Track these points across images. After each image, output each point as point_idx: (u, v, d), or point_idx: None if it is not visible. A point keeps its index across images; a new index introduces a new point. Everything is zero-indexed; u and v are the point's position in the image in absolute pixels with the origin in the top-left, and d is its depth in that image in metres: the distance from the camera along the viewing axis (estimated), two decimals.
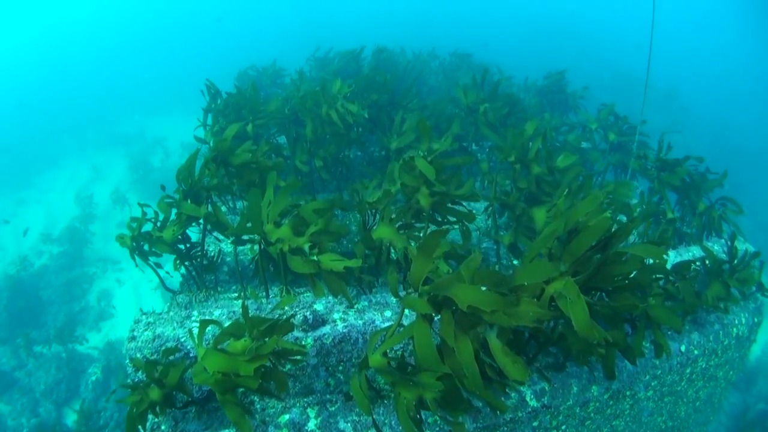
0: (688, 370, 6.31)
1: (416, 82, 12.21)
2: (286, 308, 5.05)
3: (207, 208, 5.55)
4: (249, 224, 4.90)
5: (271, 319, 3.95)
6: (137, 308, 16.26)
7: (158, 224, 6.07)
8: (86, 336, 15.64)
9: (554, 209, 6.19)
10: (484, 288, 3.38)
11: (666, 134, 7.58)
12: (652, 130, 9.40)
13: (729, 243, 6.80)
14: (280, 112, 8.01)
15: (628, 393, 5.80)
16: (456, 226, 5.67)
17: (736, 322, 6.59)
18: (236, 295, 6.20)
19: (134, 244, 6.04)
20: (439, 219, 5.68)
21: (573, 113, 11.02)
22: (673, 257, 6.84)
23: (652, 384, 5.97)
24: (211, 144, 8.37)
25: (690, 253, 7.03)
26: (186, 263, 6.15)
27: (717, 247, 7.35)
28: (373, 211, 5.67)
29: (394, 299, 5.21)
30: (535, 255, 3.89)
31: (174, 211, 5.91)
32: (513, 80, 12.06)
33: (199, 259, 6.12)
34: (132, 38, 44.99)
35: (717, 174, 7.47)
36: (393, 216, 5.42)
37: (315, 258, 4.59)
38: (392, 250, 5.40)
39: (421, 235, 5.46)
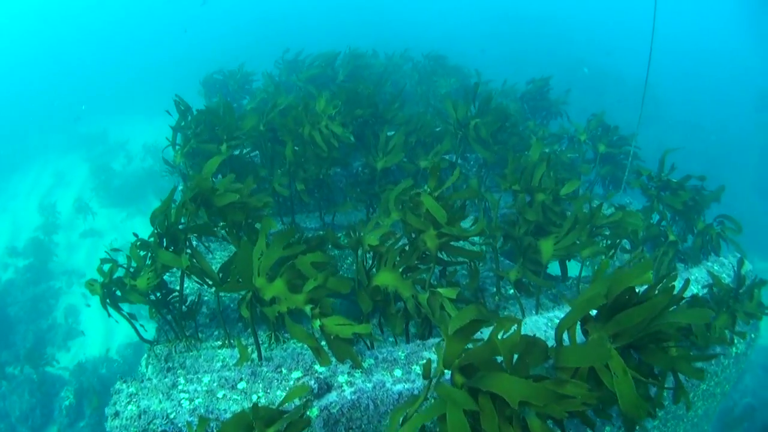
0: (690, 395, 5.97)
1: (393, 89, 11.55)
2: (283, 371, 4.37)
3: (186, 253, 4.81)
4: (240, 280, 4.21)
5: (284, 412, 3.29)
6: (105, 325, 15.43)
7: (131, 269, 5.32)
8: (56, 356, 14.61)
9: (563, 239, 5.70)
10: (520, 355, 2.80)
11: (669, 152, 7.15)
12: (627, 128, 8.98)
13: (736, 270, 6.48)
14: (256, 129, 7.25)
15: (637, 428, 5.39)
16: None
17: (736, 341, 6.28)
18: (219, 343, 5.50)
19: (105, 291, 5.29)
20: (446, 259, 5.10)
21: (553, 119, 10.51)
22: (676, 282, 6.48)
23: (659, 414, 5.72)
24: (181, 165, 7.57)
25: (692, 276, 6.67)
26: (162, 311, 5.42)
27: (717, 267, 7.00)
28: (371, 251, 5.04)
29: (402, 354, 4.58)
30: (574, 323, 3.48)
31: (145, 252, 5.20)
32: (491, 84, 11.48)
33: (177, 306, 5.39)
34: (93, 35, 42.90)
35: (700, 182, 7.14)
36: (397, 259, 4.79)
37: (318, 323, 3.91)
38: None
39: (426, 277, 4.85)
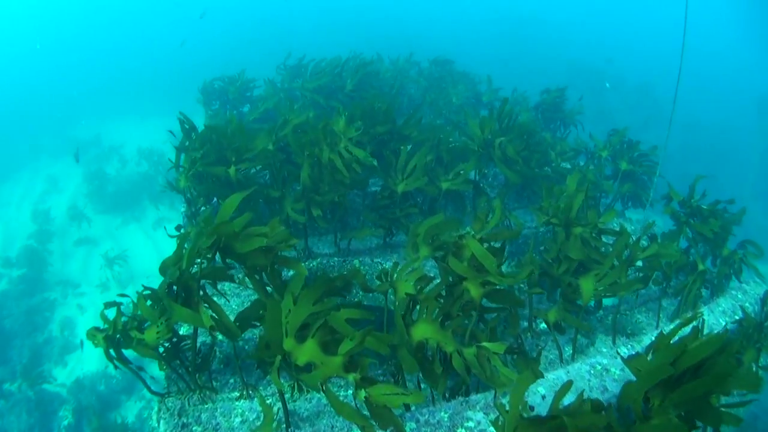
0: None
1: (403, 98, 10.96)
2: None
3: (204, 306, 4.21)
4: (268, 345, 3.64)
5: None
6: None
7: (136, 320, 4.73)
8: (53, 372, 13.97)
9: (605, 278, 5.17)
10: None
11: (699, 179, 6.64)
12: (629, 130, 8.51)
13: (762, 302, 6.10)
14: (267, 149, 6.65)
15: None
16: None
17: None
18: (237, 394, 4.92)
19: (108, 344, 4.71)
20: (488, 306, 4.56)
21: (564, 128, 9.94)
22: (706, 314, 6.15)
23: None
24: (186, 189, 6.92)
25: (720, 308, 6.35)
26: (174, 362, 4.84)
27: (741, 295, 6.71)
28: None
29: (445, 415, 4.04)
30: (640, 395, 3.34)
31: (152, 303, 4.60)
32: (501, 92, 10.91)
33: (189, 356, 4.81)
34: (87, 38, 41.79)
35: (728, 205, 6.73)
36: (436, 310, 4.23)
37: (364, 393, 3.35)
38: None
39: (467, 324, 4.30)
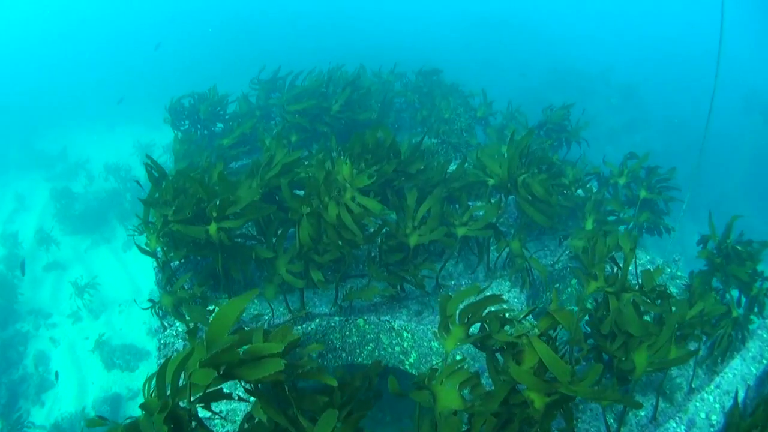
0: None
1: (386, 112, 9.80)
2: None
3: None
4: None
5: None
6: (77, 375, 13.41)
7: None
8: (31, 412, 12.58)
9: (661, 350, 4.17)
10: None
11: (735, 219, 5.71)
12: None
13: None
14: (255, 200, 5.44)
15: None
16: None
17: None
18: None
19: None
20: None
21: (567, 146, 8.90)
22: (738, 364, 5.41)
23: None
24: (159, 252, 5.67)
25: (750, 354, 5.59)
26: None
27: (766, 334, 5.86)
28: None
29: None
30: None
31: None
32: (495, 105, 9.82)
33: None
34: (53, 47, 39.34)
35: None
36: None
37: None
38: None
39: None
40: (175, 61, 30.82)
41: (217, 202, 5.11)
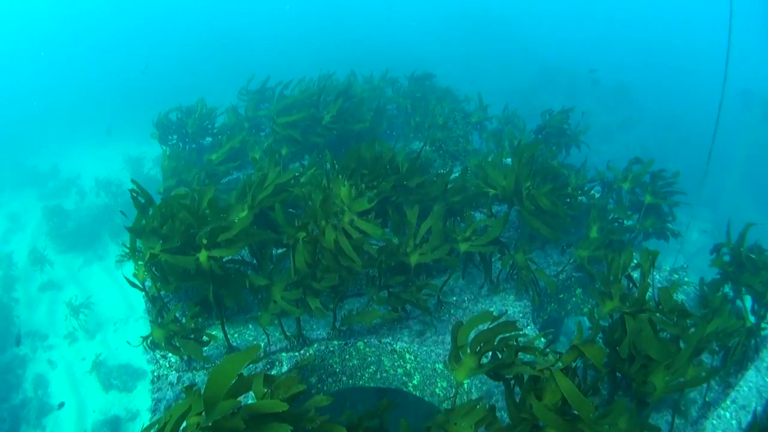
0: None
1: (379, 121, 9.48)
2: None
3: None
4: None
5: None
6: (76, 397, 13.00)
7: None
8: None
9: (680, 371, 3.87)
10: None
11: (750, 227, 5.45)
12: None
13: None
14: (247, 227, 5.08)
15: None
16: None
17: None
18: None
19: None
20: None
21: (566, 151, 8.58)
22: (753, 376, 5.14)
23: None
24: (147, 284, 5.33)
25: (765, 364, 5.32)
26: None
27: None
28: None
29: None
30: None
31: None
32: (490, 110, 9.49)
33: None
34: (43, 62, 38.77)
35: None
36: None
37: None
38: None
39: None
40: (165, 71, 30.36)
41: (208, 230, 4.76)
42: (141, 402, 12.69)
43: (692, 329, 4.28)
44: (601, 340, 4.24)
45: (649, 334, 3.95)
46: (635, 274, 5.61)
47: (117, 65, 35.13)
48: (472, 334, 3.82)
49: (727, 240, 5.42)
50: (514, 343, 3.70)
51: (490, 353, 3.84)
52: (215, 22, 39.47)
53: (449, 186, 6.07)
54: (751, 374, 5.18)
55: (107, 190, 20.21)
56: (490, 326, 3.75)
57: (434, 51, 24.79)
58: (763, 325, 5.58)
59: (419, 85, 10.53)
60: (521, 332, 3.82)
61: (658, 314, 4.11)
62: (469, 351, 3.77)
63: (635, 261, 5.69)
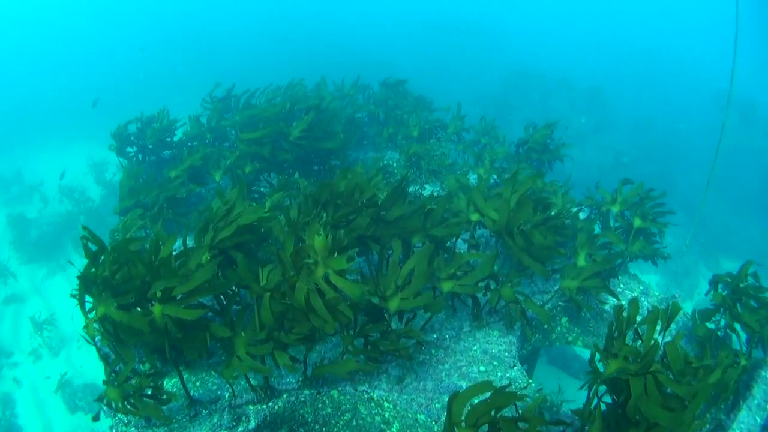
0: None
1: (351, 131, 8.88)
2: None
3: None
4: None
5: None
6: (42, 419, 12.23)
7: None
8: None
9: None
10: None
11: (750, 265, 5.11)
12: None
13: None
14: (209, 279, 4.46)
15: None
16: None
17: None
18: None
19: None
20: None
21: (548, 166, 8.12)
22: (745, 417, 4.97)
23: None
24: (98, 341, 4.69)
25: (756, 401, 5.11)
26: None
27: None
28: None
29: None
30: None
31: None
32: (467, 120, 8.96)
33: None
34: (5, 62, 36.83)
35: None
36: None
37: None
38: None
39: None
40: (131, 72, 29.15)
41: (162, 285, 4.15)
42: (106, 425, 11.98)
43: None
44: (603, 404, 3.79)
45: (656, 399, 3.52)
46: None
47: (85, 67, 33.63)
48: (468, 408, 3.35)
49: (733, 278, 5.04)
50: (514, 418, 3.25)
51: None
52: (186, 27, 38.07)
53: (428, 208, 5.52)
54: (743, 415, 4.95)
55: (70, 196, 19.19)
56: (487, 398, 3.28)
57: (405, 54, 24.08)
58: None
59: (392, 92, 9.94)
60: (521, 397, 3.34)
61: (666, 373, 3.67)
62: (464, 425, 3.30)
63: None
